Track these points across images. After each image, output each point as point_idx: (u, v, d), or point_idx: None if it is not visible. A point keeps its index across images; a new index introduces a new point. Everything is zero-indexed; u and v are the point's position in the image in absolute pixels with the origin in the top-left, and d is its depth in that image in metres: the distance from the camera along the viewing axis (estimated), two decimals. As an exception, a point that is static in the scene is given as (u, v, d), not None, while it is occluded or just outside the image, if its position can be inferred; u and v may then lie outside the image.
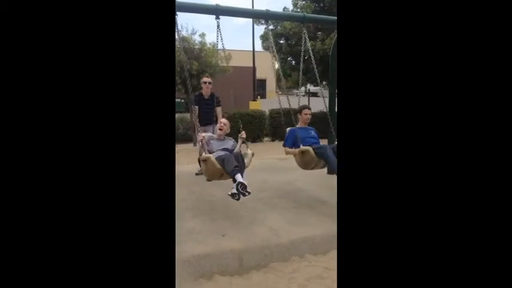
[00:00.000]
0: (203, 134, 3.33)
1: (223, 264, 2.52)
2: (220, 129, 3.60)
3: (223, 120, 3.69)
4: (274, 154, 7.01)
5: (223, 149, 3.40)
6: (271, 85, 33.26)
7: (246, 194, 2.89)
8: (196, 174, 4.93)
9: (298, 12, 9.93)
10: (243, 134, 3.50)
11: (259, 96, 20.88)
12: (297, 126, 3.89)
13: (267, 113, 9.05)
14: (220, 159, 3.01)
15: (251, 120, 8.46)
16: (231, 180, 3.05)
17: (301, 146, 3.49)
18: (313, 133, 3.90)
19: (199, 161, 3.34)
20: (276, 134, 9.01)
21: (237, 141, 3.62)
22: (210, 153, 3.15)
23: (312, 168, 3.59)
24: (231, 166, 2.96)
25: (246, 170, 3.23)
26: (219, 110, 4.79)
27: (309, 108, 3.95)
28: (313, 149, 3.41)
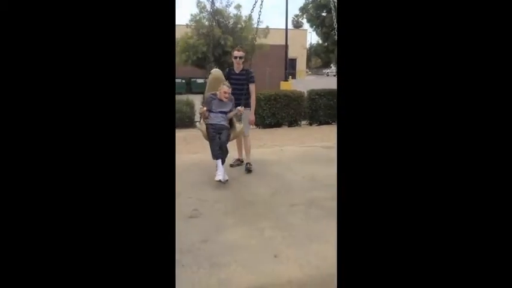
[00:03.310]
0: (205, 108, 3.75)
1: (281, 301, 1.88)
2: (226, 98, 3.78)
3: (227, 89, 3.77)
4: (316, 141, 6.25)
5: (221, 111, 3.77)
6: (301, 64, 32.03)
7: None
8: (231, 165, 4.28)
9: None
10: (240, 111, 3.81)
11: (290, 76, 19.88)
12: None
13: (306, 94, 8.25)
14: (212, 133, 3.66)
15: (288, 102, 7.68)
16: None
17: None
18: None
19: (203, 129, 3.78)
20: (314, 117, 8.20)
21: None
22: (209, 111, 3.75)
23: None
24: (215, 149, 3.57)
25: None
26: (252, 87, 4.01)
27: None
28: None
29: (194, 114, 9.64)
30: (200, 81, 19.37)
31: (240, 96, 3.95)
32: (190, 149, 5.60)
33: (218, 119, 3.75)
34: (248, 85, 3.99)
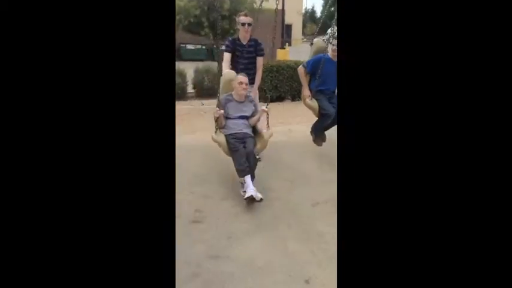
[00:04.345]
0: (221, 112, 2.75)
1: None
2: (244, 89, 2.83)
3: (244, 79, 2.83)
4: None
5: (241, 117, 2.86)
6: (297, 31, 30.80)
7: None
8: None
9: None
10: (266, 109, 2.92)
11: (287, 44, 18.90)
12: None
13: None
14: (234, 143, 2.68)
15: (292, 74, 7.04)
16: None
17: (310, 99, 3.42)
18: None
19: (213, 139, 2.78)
20: (317, 90, 7.61)
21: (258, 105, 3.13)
22: (226, 117, 2.82)
23: None
24: (241, 161, 2.57)
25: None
26: (260, 61, 3.39)
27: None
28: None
29: (186, 85, 8.92)
30: (190, 47, 18.22)
31: (250, 73, 3.34)
32: (186, 127, 5.02)
33: (239, 127, 2.81)
34: (257, 58, 3.38)
